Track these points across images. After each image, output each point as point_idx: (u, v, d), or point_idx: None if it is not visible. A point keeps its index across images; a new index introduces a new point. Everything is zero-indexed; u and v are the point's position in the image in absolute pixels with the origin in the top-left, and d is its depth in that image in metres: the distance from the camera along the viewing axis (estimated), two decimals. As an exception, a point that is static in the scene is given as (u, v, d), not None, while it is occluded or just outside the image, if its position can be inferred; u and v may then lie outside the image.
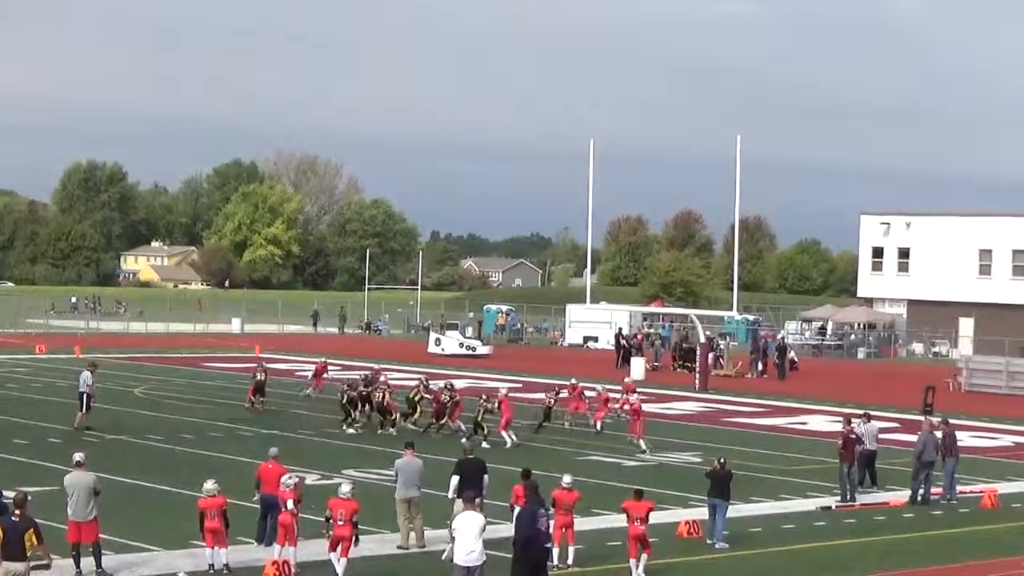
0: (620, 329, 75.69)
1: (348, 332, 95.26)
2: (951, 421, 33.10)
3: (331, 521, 20.93)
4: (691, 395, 53.97)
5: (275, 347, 75.13)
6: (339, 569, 20.71)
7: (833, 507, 29.08)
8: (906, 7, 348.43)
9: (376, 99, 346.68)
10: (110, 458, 31.44)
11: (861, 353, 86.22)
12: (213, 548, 21.06)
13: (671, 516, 26.38)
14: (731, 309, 68.75)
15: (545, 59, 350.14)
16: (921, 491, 30.16)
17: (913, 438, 32.40)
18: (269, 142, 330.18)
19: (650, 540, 22.02)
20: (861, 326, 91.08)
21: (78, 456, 21.86)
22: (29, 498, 18.37)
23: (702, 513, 25.72)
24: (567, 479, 22.64)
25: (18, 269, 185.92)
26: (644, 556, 21.73)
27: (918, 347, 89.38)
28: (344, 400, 39.40)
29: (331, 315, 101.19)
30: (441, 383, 40.93)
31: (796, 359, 70.95)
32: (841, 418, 35.30)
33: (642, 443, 36.69)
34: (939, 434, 31.10)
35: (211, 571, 21.05)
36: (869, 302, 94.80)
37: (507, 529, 20.54)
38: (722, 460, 25.49)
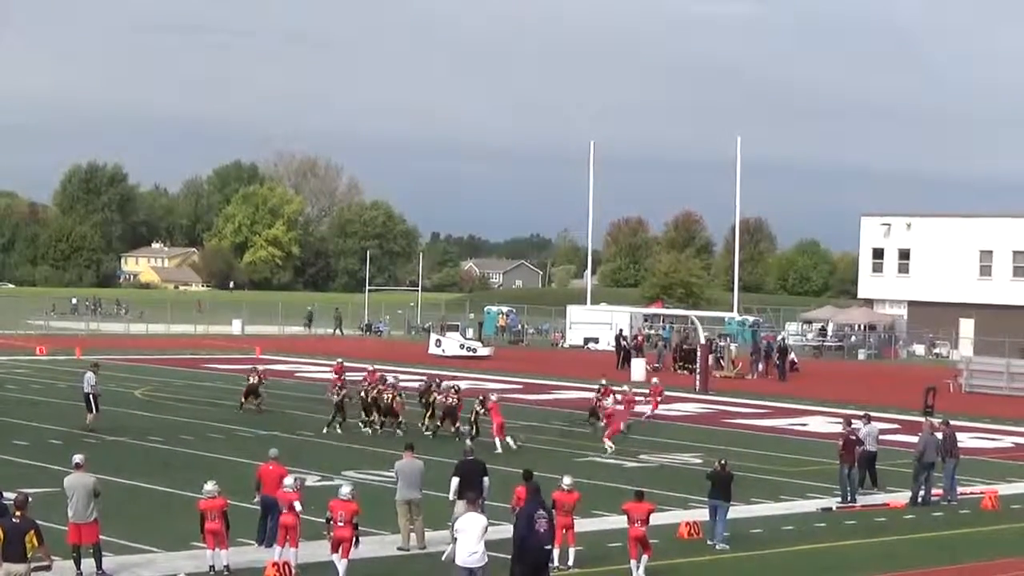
0: (621, 330, 75.69)
1: (343, 333, 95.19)
2: (951, 422, 33.10)
3: (332, 523, 20.93)
4: (692, 396, 53.95)
5: (275, 348, 75.13)
6: (340, 570, 20.71)
7: (834, 508, 29.08)
8: (906, 7, 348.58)
9: (376, 99, 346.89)
10: (110, 459, 31.45)
11: (861, 354, 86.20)
12: (214, 549, 21.07)
13: (672, 517, 26.38)
14: (731, 310, 68.77)
15: (545, 59, 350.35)
16: (921, 492, 30.16)
17: (914, 439, 32.42)
18: (270, 143, 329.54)
19: (651, 541, 22.02)
20: (861, 327, 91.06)
21: (77, 458, 21.87)
22: (30, 499, 18.37)
23: (703, 514, 25.72)
24: (567, 480, 22.64)
25: (19, 270, 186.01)
26: (645, 557, 21.72)
27: (919, 348, 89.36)
28: (359, 401, 39.37)
29: (331, 316, 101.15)
30: (450, 384, 40.81)
31: (796, 360, 70.94)
32: (841, 419, 35.28)
33: (608, 443, 36.68)
34: (940, 435, 31.11)
35: (211, 572, 21.05)
36: (869, 303, 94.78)
37: (508, 530, 20.52)
38: (723, 461, 25.49)
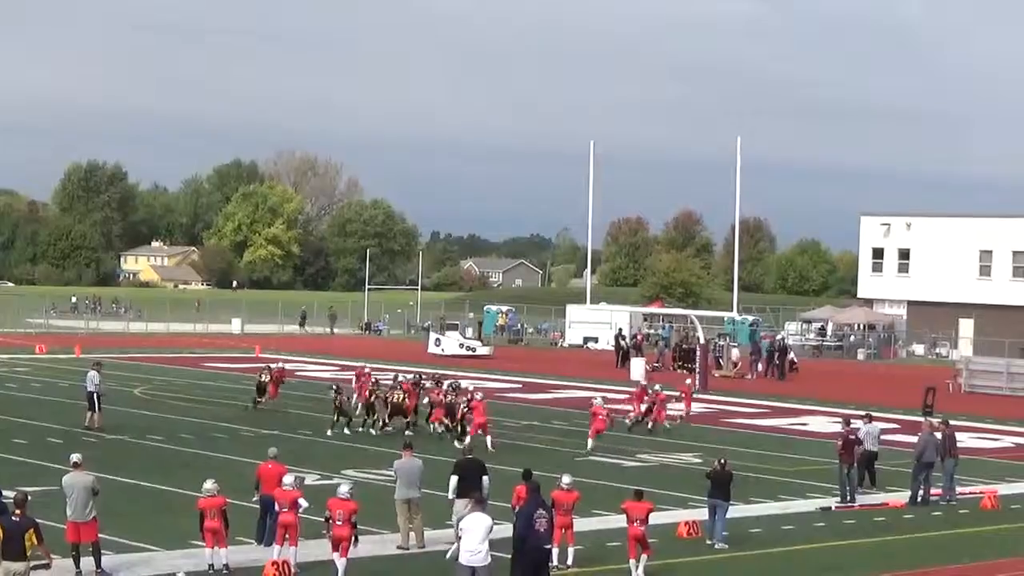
0: (620, 330, 75.69)
1: (338, 332, 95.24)
2: (951, 422, 33.10)
3: (330, 522, 20.93)
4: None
5: (275, 347, 75.11)
6: (340, 569, 20.70)
7: (833, 508, 29.08)
8: (906, 7, 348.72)
9: (376, 99, 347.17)
10: (110, 458, 31.45)
11: (861, 354, 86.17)
12: (213, 548, 21.07)
13: (671, 517, 26.38)
14: (731, 310, 68.72)
15: (545, 59, 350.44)
16: (921, 492, 30.17)
17: (913, 439, 32.43)
18: (269, 142, 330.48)
19: (650, 541, 22.01)
20: (861, 327, 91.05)
21: (75, 457, 21.86)
22: (29, 498, 18.38)
23: (702, 514, 25.72)
24: (566, 479, 22.63)
25: (18, 269, 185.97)
26: (644, 557, 21.72)
27: (918, 348, 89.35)
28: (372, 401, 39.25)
29: (326, 316, 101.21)
30: (452, 383, 40.67)
31: (796, 360, 70.94)
32: (840, 419, 35.29)
33: (591, 442, 36.61)
34: (939, 435, 31.11)
35: (211, 571, 21.05)
36: (869, 303, 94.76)
37: (508, 530, 20.52)
38: (722, 461, 25.49)
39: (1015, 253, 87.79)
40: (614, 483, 30.19)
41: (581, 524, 23.71)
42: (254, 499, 23.20)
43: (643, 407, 41.89)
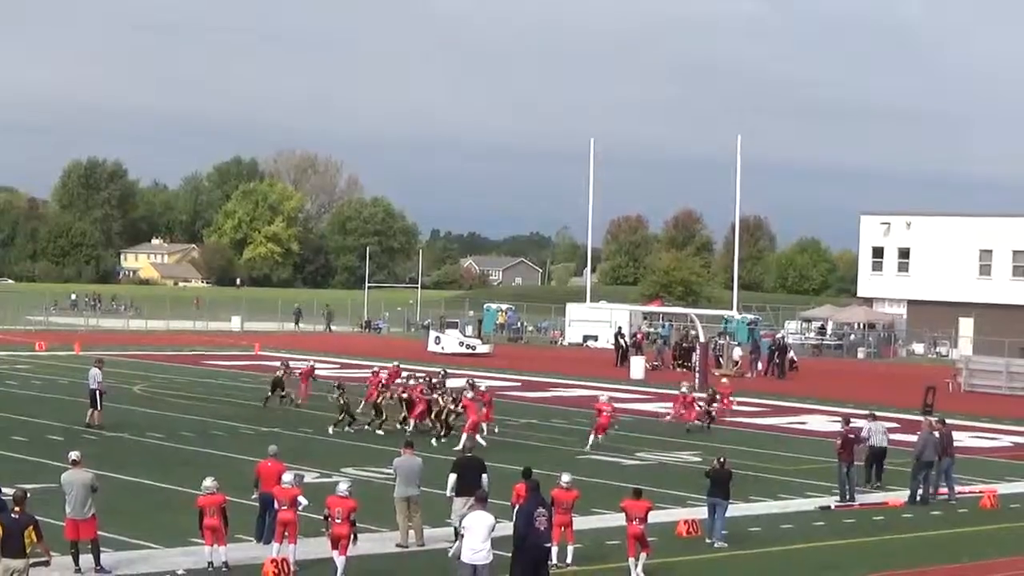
0: (619, 328, 75.69)
1: (335, 330, 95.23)
2: (948, 421, 33.13)
3: (330, 519, 20.92)
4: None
5: (274, 345, 75.16)
6: (339, 567, 20.70)
7: (832, 507, 29.08)
8: (906, 7, 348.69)
9: (376, 98, 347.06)
10: (109, 455, 31.46)
11: (861, 353, 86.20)
12: (212, 546, 21.06)
13: (670, 515, 26.38)
14: (731, 308, 68.67)
15: (545, 59, 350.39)
16: (920, 491, 30.18)
17: (913, 438, 32.43)
18: (269, 140, 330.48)
19: (649, 539, 22.01)
20: (861, 326, 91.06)
21: (74, 455, 21.86)
22: (28, 495, 18.38)
23: (701, 512, 25.72)
24: (566, 478, 22.63)
25: (18, 266, 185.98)
26: (643, 555, 21.72)
27: (918, 347, 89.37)
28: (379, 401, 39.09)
29: (335, 314, 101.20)
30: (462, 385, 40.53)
31: (796, 359, 70.94)
32: (840, 418, 35.28)
33: (592, 439, 36.78)
34: (936, 434, 31.11)
35: (210, 569, 21.05)
36: (869, 302, 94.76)
37: (508, 528, 20.51)
38: (722, 459, 25.48)
39: (1015, 252, 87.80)
40: (614, 481, 30.19)
41: (580, 522, 23.70)
42: (253, 497, 23.20)
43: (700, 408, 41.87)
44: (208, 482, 21.38)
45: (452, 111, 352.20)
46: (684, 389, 43.47)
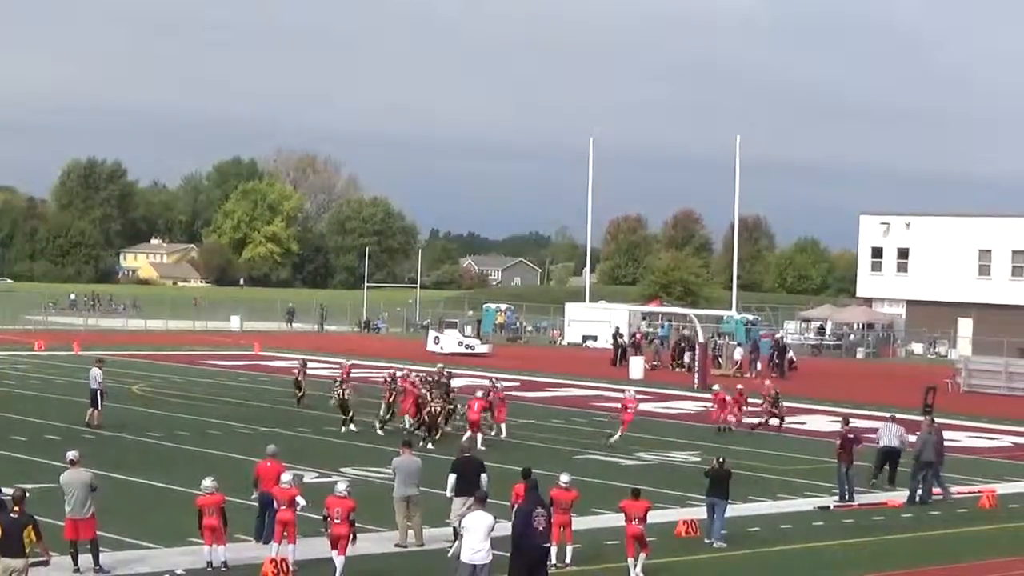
0: (617, 328, 75.69)
1: (330, 329, 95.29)
2: (947, 422, 33.19)
3: (329, 519, 20.92)
4: (690, 394, 53.98)
5: (274, 345, 75.19)
6: (338, 567, 20.69)
7: (831, 507, 29.09)
8: (906, 7, 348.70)
9: (376, 98, 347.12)
10: (108, 455, 31.45)
11: (860, 353, 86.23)
12: (211, 546, 21.06)
13: (669, 515, 26.38)
14: (730, 308, 68.76)
15: (545, 58, 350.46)
16: (919, 491, 30.18)
17: (912, 438, 32.41)
18: (269, 140, 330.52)
19: (648, 539, 22.01)
20: (860, 326, 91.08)
21: (72, 455, 21.84)
22: (27, 494, 18.37)
23: (700, 512, 25.72)
24: (565, 478, 22.63)
25: (17, 266, 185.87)
26: (642, 555, 21.73)
27: (917, 347, 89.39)
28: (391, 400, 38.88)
29: (334, 313, 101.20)
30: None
31: (795, 359, 70.96)
32: (839, 418, 35.27)
33: (618, 433, 37.22)
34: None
35: (209, 568, 21.05)
36: (868, 302, 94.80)
37: (507, 528, 20.50)
38: (721, 459, 25.48)
39: (1014, 252, 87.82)
40: (613, 481, 30.19)
41: (580, 522, 23.70)
42: (253, 496, 23.20)
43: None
44: (207, 482, 21.37)
45: (451, 111, 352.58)
46: (716, 388, 43.34)
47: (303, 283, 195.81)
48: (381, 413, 38.58)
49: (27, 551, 17.54)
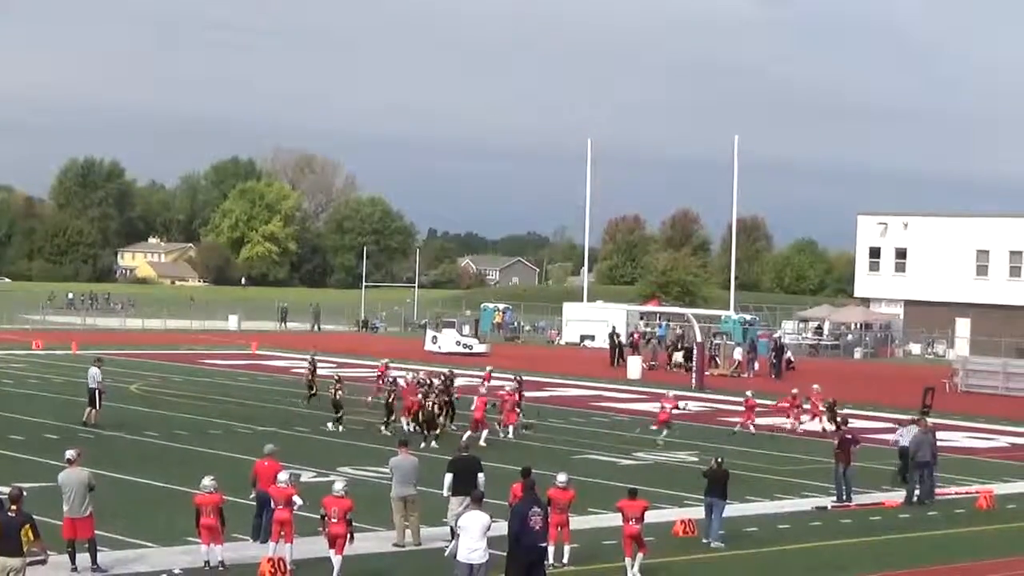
0: (614, 328, 75.68)
1: (322, 329, 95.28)
2: (939, 421, 33.22)
3: (326, 519, 20.91)
4: (688, 394, 53.89)
5: (271, 345, 75.18)
6: (335, 566, 20.69)
7: (829, 507, 29.09)
8: (906, 7, 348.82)
9: (375, 98, 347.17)
10: (106, 454, 31.44)
11: (858, 353, 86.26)
12: (208, 545, 21.06)
13: (667, 515, 26.38)
14: (728, 308, 68.73)
15: (544, 58, 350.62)
16: (917, 491, 30.19)
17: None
18: (267, 139, 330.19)
19: (646, 539, 22.01)
20: (858, 326, 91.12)
21: (70, 453, 21.82)
22: (25, 493, 18.35)
23: (698, 512, 25.72)
24: (562, 477, 22.62)
25: (15, 265, 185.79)
26: (640, 555, 21.72)
27: (915, 347, 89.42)
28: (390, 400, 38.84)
29: (332, 313, 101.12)
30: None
31: (793, 359, 70.98)
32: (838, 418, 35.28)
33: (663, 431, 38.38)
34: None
35: (206, 568, 21.04)
36: (866, 302, 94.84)
37: (505, 527, 20.51)
38: (719, 459, 25.48)
39: (1012, 253, 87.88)
40: (611, 481, 30.19)
41: (577, 522, 23.70)
42: (251, 496, 23.19)
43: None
44: (207, 481, 21.36)
45: (450, 110, 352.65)
46: (749, 394, 43.17)
47: (301, 283, 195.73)
48: (384, 415, 38.59)
49: (25, 550, 17.52)
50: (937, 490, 30.74)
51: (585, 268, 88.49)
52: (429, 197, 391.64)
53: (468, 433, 35.73)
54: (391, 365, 43.92)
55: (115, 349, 66.08)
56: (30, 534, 17.54)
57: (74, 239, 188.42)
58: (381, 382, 41.60)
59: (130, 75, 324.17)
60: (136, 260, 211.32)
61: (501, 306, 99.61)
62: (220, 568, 21.05)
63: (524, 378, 44.28)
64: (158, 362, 61.25)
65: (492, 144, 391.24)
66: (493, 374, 41.93)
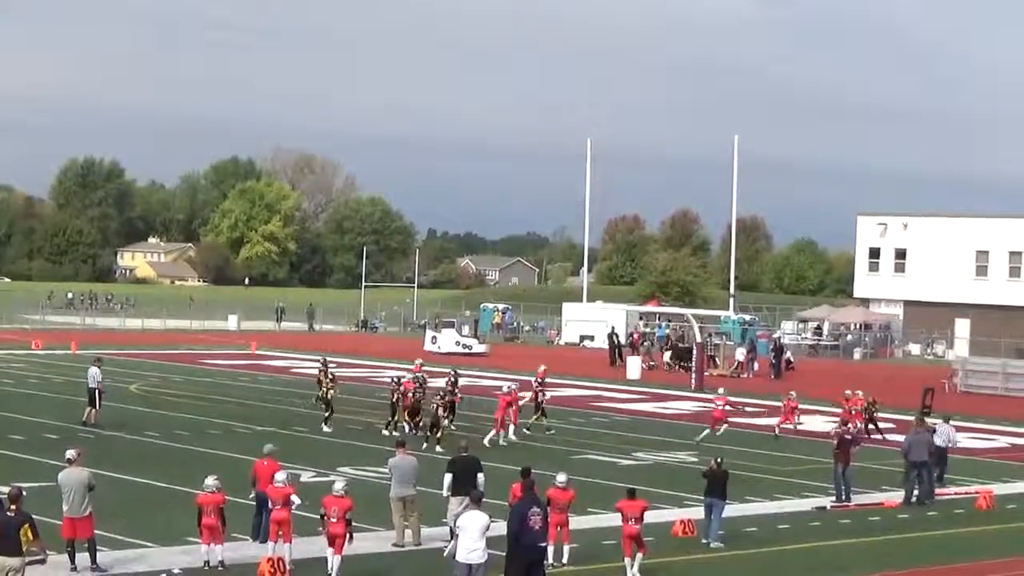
0: (612, 328, 75.69)
1: (325, 328, 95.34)
2: (938, 422, 33.22)
3: (325, 518, 20.92)
4: (687, 395, 53.99)
5: (271, 345, 75.17)
6: (332, 566, 20.67)
7: (828, 507, 29.10)
8: (906, 8, 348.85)
9: (375, 97, 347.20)
10: (106, 454, 31.43)
11: (857, 353, 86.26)
12: (209, 545, 21.06)
13: (666, 515, 26.39)
14: (728, 308, 68.70)
15: (544, 58, 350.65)
16: (916, 491, 30.20)
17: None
18: (267, 139, 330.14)
19: (645, 539, 22.01)
20: (857, 326, 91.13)
21: (70, 453, 21.83)
22: (24, 493, 18.36)
23: (698, 513, 25.72)
24: (561, 478, 22.62)
25: (15, 265, 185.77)
26: (639, 555, 21.73)
27: (914, 348, 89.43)
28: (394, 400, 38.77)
29: (332, 313, 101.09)
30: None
31: (792, 359, 70.99)
32: (837, 419, 35.32)
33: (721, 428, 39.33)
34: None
35: (206, 568, 21.05)
36: (865, 302, 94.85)
37: (504, 527, 20.51)
38: (719, 460, 25.48)
39: (1011, 253, 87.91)
40: (610, 481, 30.19)
41: (577, 522, 23.70)
42: (251, 496, 23.19)
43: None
44: (210, 481, 21.36)
45: (450, 110, 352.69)
46: (793, 395, 43.07)
47: (300, 283, 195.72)
48: (390, 416, 38.59)
49: (24, 550, 17.52)
50: (937, 490, 30.77)
51: (585, 268, 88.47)
52: (429, 197, 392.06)
53: (491, 434, 36.17)
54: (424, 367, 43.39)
55: (115, 349, 66.09)
56: (29, 534, 17.55)
57: (74, 239, 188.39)
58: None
59: (130, 75, 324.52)
60: (136, 260, 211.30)
61: (501, 306, 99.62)
62: (220, 568, 21.05)
63: (522, 379, 44.25)
64: (158, 362, 61.25)
65: (492, 144, 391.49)
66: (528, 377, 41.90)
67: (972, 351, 79.41)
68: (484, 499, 19.95)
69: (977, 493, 31.03)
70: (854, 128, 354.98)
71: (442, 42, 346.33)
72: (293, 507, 21.45)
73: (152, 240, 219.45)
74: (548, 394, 41.62)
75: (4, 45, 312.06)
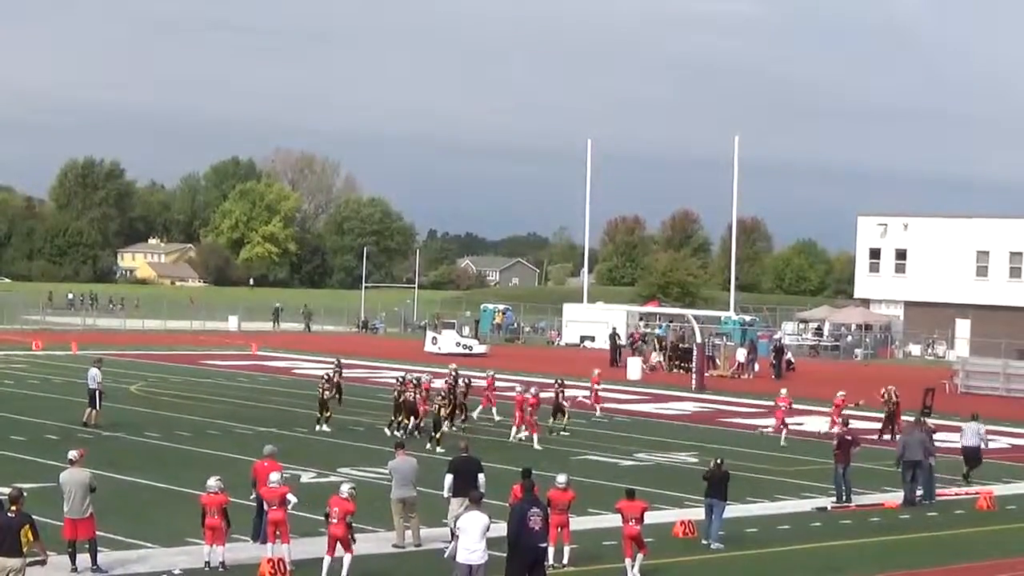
0: (614, 328, 75.68)
1: (326, 329, 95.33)
2: (939, 422, 33.25)
3: (328, 518, 20.90)
4: (687, 395, 54.00)
5: (271, 345, 75.17)
6: (325, 567, 20.65)
7: (829, 508, 29.10)
8: (906, 7, 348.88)
9: (375, 98, 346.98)
10: (106, 455, 31.43)
11: (857, 354, 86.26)
12: (211, 545, 21.06)
13: (667, 516, 26.39)
14: (728, 309, 68.67)
15: (544, 58, 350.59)
16: (918, 491, 30.20)
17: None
18: (267, 139, 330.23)
19: (646, 540, 22.02)
20: (857, 327, 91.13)
21: (72, 454, 21.84)
22: (25, 494, 18.36)
23: (698, 513, 25.73)
24: (561, 479, 22.62)
25: (15, 265, 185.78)
26: (640, 556, 21.73)
27: (915, 348, 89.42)
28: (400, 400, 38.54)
29: (332, 313, 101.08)
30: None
31: (793, 360, 70.98)
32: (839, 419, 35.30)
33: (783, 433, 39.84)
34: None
35: (207, 568, 21.05)
36: (866, 303, 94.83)
37: (504, 528, 20.51)
38: (719, 460, 25.48)
39: (1012, 254, 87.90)
40: (611, 482, 30.19)
41: (577, 523, 23.71)
42: (251, 496, 23.20)
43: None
44: (212, 482, 21.36)
45: (450, 111, 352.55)
46: (842, 395, 42.79)
47: (301, 283, 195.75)
48: (393, 416, 38.57)
49: (24, 551, 17.53)
50: (938, 490, 30.77)
51: (585, 269, 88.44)
52: (429, 198, 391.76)
53: (513, 431, 36.60)
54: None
55: (115, 350, 66.09)
56: (30, 535, 17.55)
57: (74, 239, 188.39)
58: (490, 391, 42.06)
59: (130, 75, 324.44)
60: (136, 261, 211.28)
61: (501, 307, 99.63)
62: (220, 569, 21.05)
63: (522, 379, 44.24)
64: (158, 363, 61.25)
65: (492, 144, 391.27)
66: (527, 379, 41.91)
67: (973, 352, 79.40)
68: (484, 500, 19.95)
69: (977, 494, 31.03)
70: (854, 128, 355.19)
71: (442, 42, 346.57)
72: (289, 507, 21.45)
73: (152, 241, 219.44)
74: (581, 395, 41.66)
75: (4, 45, 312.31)
